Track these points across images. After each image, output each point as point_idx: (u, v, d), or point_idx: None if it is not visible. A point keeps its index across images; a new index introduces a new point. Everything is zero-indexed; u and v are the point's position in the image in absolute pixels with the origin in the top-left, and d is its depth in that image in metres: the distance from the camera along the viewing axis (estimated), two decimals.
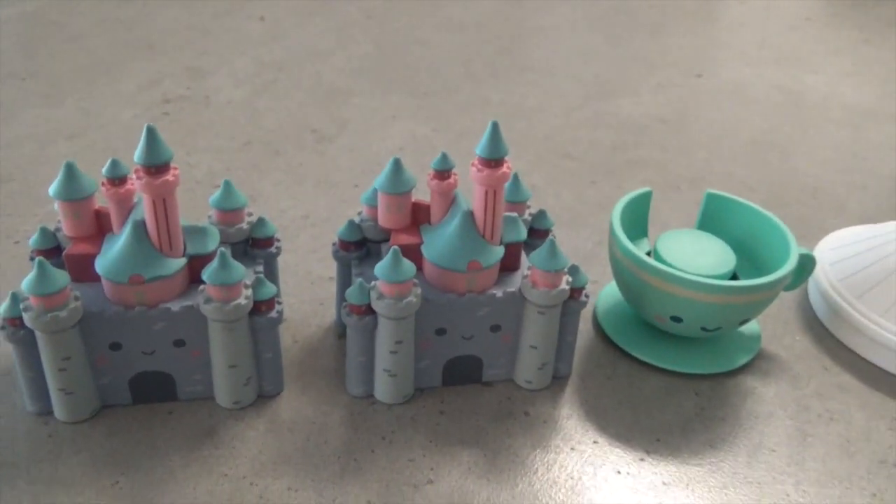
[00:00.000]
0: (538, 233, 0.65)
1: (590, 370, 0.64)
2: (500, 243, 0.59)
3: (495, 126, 0.55)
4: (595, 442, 0.58)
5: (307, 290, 0.70)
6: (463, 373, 0.61)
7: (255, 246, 0.61)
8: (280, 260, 0.64)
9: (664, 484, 0.55)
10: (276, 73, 1.11)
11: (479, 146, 0.55)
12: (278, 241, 0.63)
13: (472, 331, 0.59)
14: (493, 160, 0.55)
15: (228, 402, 0.58)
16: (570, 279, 0.58)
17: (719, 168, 0.95)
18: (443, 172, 0.58)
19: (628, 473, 0.56)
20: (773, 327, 0.70)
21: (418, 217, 0.61)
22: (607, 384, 0.63)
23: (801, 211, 0.87)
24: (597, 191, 0.88)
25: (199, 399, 0.58)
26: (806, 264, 0.66)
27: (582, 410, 0.61)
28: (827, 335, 0.70)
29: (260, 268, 0.60)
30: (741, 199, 0.69)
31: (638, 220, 0.70)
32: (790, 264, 0.61)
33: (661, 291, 0.61)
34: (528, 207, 0.66)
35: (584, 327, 0.69)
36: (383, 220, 0.60)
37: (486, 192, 0.56)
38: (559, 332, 0.60)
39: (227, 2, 1.33)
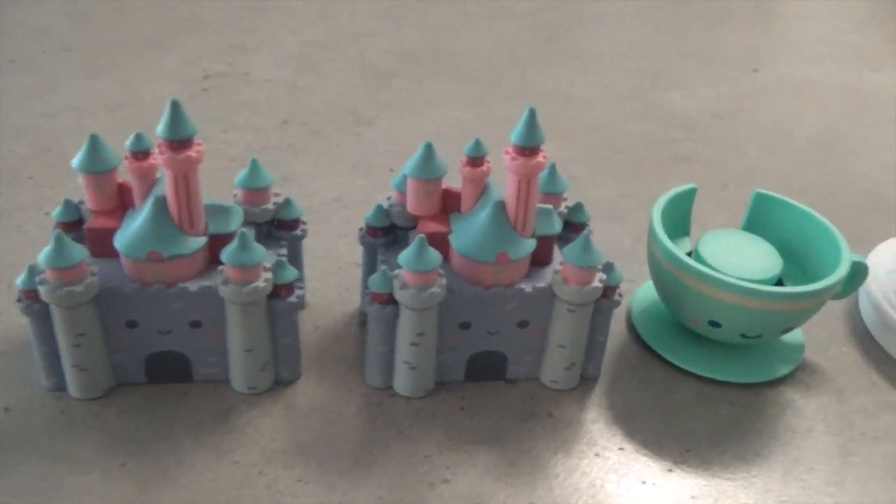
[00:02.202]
0: (574, 226, 0.63)
1: (620, 373, 0.62)
2: (533, 236, 0.56)
3: (532, 113, 0.52)
4: (621, 449, 0.55)
5: (333, 274, 0.69)
6: (486, 369, 0.59)
7: (280, 228, 0.60)
8: (308, 243, 0.63)
9: (692, 497, 0.52)
10: (320, 52, 1.09)
11: (514, 133, 0.53)
12: (304, 223, 0.61)
13: (498, 326, 0.57)
14: (527, 148, 0.53)
15: (244, 387, 0.56)
16: (604, 277, 0.55)
17: (771, 167, 0.91)
18: (475, 159, 0.55)
19: (654, 484, 0.53)
20: (819, 337, 0.66)
21: (449, 205, 0.58)
22: (638, 388, 0.60)
23: (856, 215, 0.83)
24: (640, 185, 0.85)
25: (215, 382, 0.57)
26: (857, 272, 0.62)
27: (609, 415, 0.58)
28: (877, 348, 0.66)
29: (283, 250, 0.58)
30: (791, 201, 0.65)
31: (680, 218, 0.66)
32: (840, 271, 0.58)
33: (700, 294, 0.58)
34: (565, 200, 0.63)
35: (617, 328, 0.66)
36: (412, 206, 0.58)
37: (520, 182, 0.53)
38: (589, 331, 0.58)
39: None
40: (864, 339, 0.67)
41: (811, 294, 0.56)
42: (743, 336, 0.59)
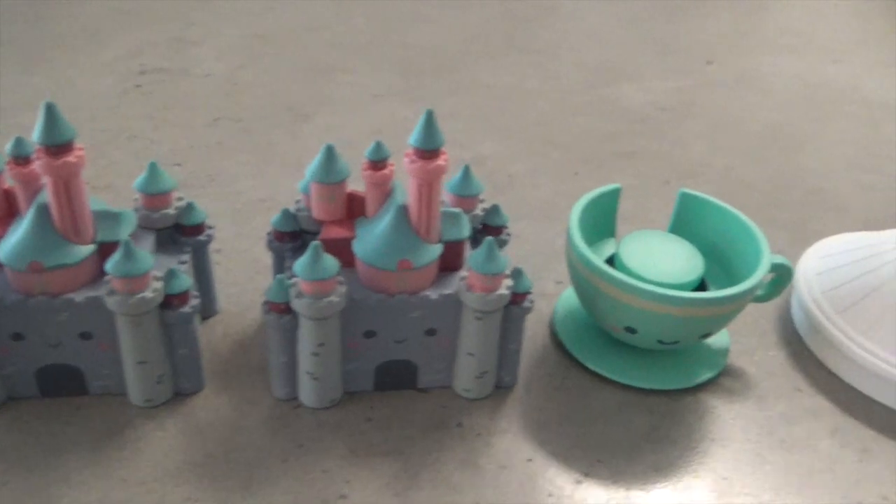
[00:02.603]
0: (491, 230, 0.61)
1: (538, 381, 0.60)
2: (440, 241, 0.54)
3: (430, 115, 0.50)
4: (529, 460, 0.54)
5: (250, 279, 0.67)
6: (397, 378, 0.57)
7: (183, 233, 0.58)
8: (228, 245, 0.61)
9: None
10: (263, 46, 1.07)
11: (413, 136, 0.51)
12: (210, 228, 0.59)
13: (405, 334, 0.55)
14: (426, 151, 0.51)
15: (140, 400, 0.54)
16: (511, 283, 0.54)
17: (718, 162, 0.89)
18: (376, 163, 0.53)
19: (561, 497, 0.52)
20: (747, 341, 0.65)
21: (356, 209, 0.56)
22: (554, 396, 0.59)
23: (800, 212, 0.81)
24: (578, 183, 0.83)
25: (112, 395, 0.55)
26: (782, 275, 0.61)
27: (521, 424, 0.56)
28: (806, 352, 0.64)
29: (186, 256, 0.57)
30: (715, 200, 0.63)
31: (605, 218, 0.65)
32: (757, 276, 0.56)
33: (614, 299, 0.56)
34: (482, 202, 0.61)
35: (541, 332, 0.64)
36: (316, 210, 0.56)
37: (420, 186, 0.51)
38: (502, 339, 0.56)
39: None
40: (793, 342, 0.65)
41: (725, 300, 0.55)
42: (660, 342, 0.57)
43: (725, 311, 0.56)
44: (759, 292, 0.62)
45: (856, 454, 0.56)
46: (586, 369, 0.61)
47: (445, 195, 0.60)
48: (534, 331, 0.64)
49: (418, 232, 0.53)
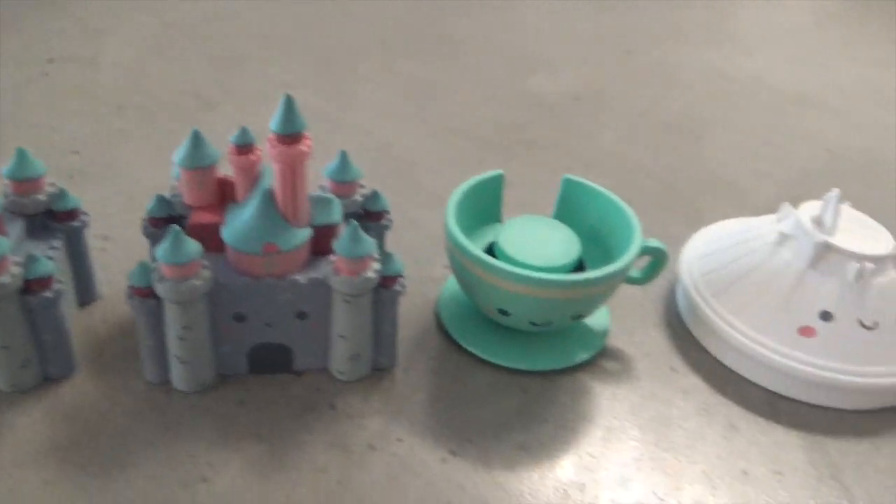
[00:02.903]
0: (372, 215, 0.61)
1: (417, 363, 0.60)
2: (310, 225, 0.55)
3: (289, 100, 0.51)
4: (399, 440, 0.54)
5: (134, 266, 0.66)
6: (271, 361, 0.57)
7: (55, 219, 0.57)
8: (119, 233, 0.61)
9: (460, 488, 0.52)
10: (174, 34, 1.06)
11: (273, 121, 0.51)
12: (85, 214, 0.59)
13: (275, 318, 0.55)
14: (287, 136, 0.51)
15: (6, 385, 0.54)
16: (379, 267, 0.54)
17: (623, 151, 0.90)
18: (242, 147, 0.53)
19: (425, 475, 0.52)
20: (630, 322, 0.66)
21: (228, 195, 0.57)
22: (430, 379, 0.59)
23: (699, 199, 0.83)
24: (481, 171, 0.84)
25: None
26: (658, 258, 0.62)
27: (394, 405, 0.57)
28: (685, 334, 0.65)
29: (57, 242, 0.56)
30: (596, 186, 0.64)
31: (490, 204, 0.65)
32: (623, 260, 0.57)
33: (485, 282, 0.57)
34: (362, 188, 0.62)
35: (427, 316, 0.65)
36: (186, 196, 0.56)
37: (283, 170, 0.52)
38: (377, 321, 0.56)
39: None
40: (674, 325, 0.66)
41: (590, 282, 0.56)
42: (532, 324, 0.58)
43: (593, 294, 0.57)
44: (636, 275, 0.63)
45: (722, 430, 0.57)
46: (467, 352, 0.61)
47: (325, 181, 0.61)
48: (419, 314, 0.65)
49: (285, 216, 0.53)
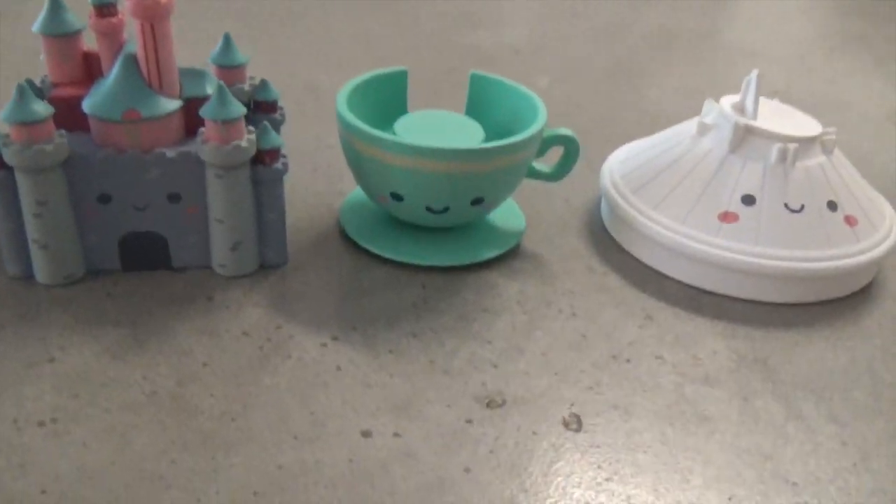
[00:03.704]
0: (263, 105, 0.57)
1: (310, 262, 0.56)
2: (181, 98, 0.51)
3: None
4: (278, 328, 0.50)
5: None
6: (147, 255, 0.53)
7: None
8: None
9: (338, 369, 0.47)
10: None
11: None
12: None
13: (145, 199, 0.51)
14: None
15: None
16: (254, 138, 0.50)
17: (558, 91, 0.87)
18: (102, 8, 0.50)
19: (301, 358, 0.47)
20: (550, 231, 0.61)
21: (97, 71, 0.52)
22: (324, 275, 0.55)
23: (632, 131, 0.79)
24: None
25: None
26: (569, 148, 0.58)
27: (278, 298, 0.52)
28: (609, 240, 0.61)
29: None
30: (504, 79, 0.60)
31: (394, 101, 0.61)
32: (526, 133, 0.53)
33: (376, 161, 0.52)
34: (251, 79, 0.58)
35: (331, 224, 0.60)
36: (50, 70, 0.52)
37: (143, 26, 0.48)
38: (259, 206, 0.52)
39: None
40: (597, 232, 0.62)
41: (479, 154, 0.51)
42: (429, 209, 0.54)
43: (489, 169, 0.52)
44: (546, 170, 0.59)
45: (637, 321, 0.53)
46: (367, 253, 0.57)
47: (209, 67, 0.57)
48: (322, 222, 0.60)
49: (150, 83, 0.49)
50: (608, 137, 0.75)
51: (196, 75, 0.52)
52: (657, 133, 0.66)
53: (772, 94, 0.62)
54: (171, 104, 0.50)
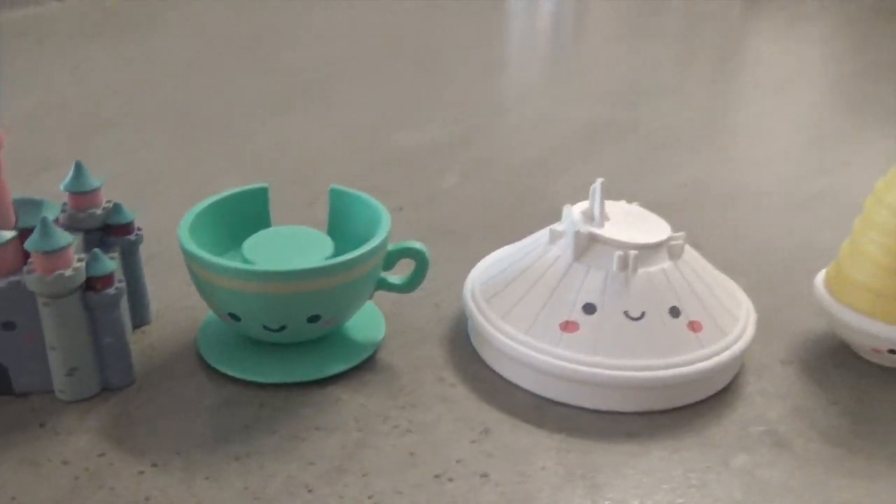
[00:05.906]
0: (116, 229, 0.58)
1: (159, 381, 0.56)
2: (15, 228, 0.52)
3: None
4: (101, 455, 0.50)
5: None
6: None
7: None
8: None
9: (146, 500, 0.47)
10: None
11: None
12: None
13: None
14: None
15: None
16: (82, 266, 0.51)
17: (463, 193, 0.88)
18: None
19: (113, 489, 0.47)
20: (412, 336, 0.62)
21: None
22: (166, 395, 0.55)
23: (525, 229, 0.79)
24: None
25: None
26: (419, 261, 0.59)
27: (111, 423, 0.52)
28: (467, 347, 0.61)
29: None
30: (359, 193, 0.62)
31: (256, 217, 0.63)
32: (357, 252, 0.54)
33: (210, 284, 0.53)
34: (108, 202, 0.59)
35: (191, 342, 0.61)
36: None
37: None
38: (95, 331, 0.53)
39: None
40: (460, 337, 0.62)
41: (300, 275, 0.52)
42: (266, 328, 0.54)
43: (319, 287, 0.53)
44: (397, 282, 0.60)
45: (473, 436, 0.52)
46: (217, 372, 0.57)
47: (65, 196, 0.58)
48: (184, 340, 0.61)
49: None
50: (504, 236, 0.76)
51: (33, 205, 0.54)
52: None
53: (630, 199, 0.62)
54: (4, 235, 0.51)
